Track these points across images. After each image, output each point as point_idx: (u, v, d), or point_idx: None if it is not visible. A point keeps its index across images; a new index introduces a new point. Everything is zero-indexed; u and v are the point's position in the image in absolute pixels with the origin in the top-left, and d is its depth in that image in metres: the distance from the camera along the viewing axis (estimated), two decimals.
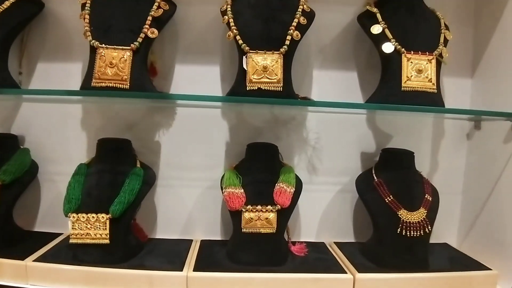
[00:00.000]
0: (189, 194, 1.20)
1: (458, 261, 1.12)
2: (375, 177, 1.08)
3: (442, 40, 1.05)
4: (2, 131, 1.19)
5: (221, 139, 1.18)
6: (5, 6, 1.04)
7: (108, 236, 0.98)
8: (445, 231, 1.23)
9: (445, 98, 1.06)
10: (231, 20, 1.00)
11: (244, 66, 0.96)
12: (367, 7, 1.09)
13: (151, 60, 1.10)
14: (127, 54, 0.95)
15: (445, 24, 1.08)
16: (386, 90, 1.03)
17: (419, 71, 1.01)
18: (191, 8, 1.13)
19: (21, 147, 1.17)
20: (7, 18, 1.04)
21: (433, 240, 1.07)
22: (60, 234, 1.18)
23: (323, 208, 1.21)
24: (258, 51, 0.96)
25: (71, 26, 1.15)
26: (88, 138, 1.17)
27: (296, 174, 1.07)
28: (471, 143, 1.22)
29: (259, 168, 1.08)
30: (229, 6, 1.03)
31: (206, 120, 1.17)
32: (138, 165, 1.08)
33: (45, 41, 1.17)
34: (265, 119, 1.18)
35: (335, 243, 1.19)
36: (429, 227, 1.02)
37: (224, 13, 1.03)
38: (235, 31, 0.99)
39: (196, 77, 1.15)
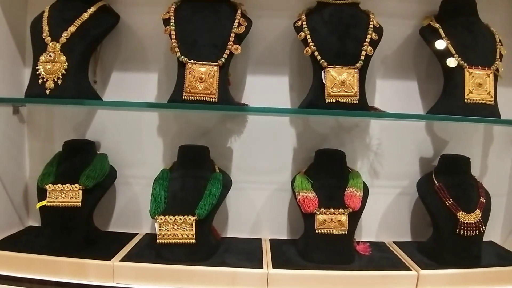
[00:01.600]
0: (258, 196, 1.28)
1: (504, 257, 1.22)
2: (436, 182, 1.17)
3: (498, 55, 1.13)
4: (77, 137, 1.26)
5: (288, 144, 1.26)
6: (84, 18, 1.09)
7: (194, 236, 1.05)
8: (490, 230, 1.32)
9: None
10: (308, 36, 1.07)
11: (323, 80, 1.03)
12: (430, 22, 1.16)
13: None
14: (215, 69, 1.02)
15: (499, 39, 1.16)
16: (450, 102, 1.11)
17: (479, 85, 1.09)
18: (261, 21, 1.18)
19: (98, 152, 1.24)
20: (87, 30, 1.09)
21: None
22: (136, 234, 1.26)
23: (383, 209, 1.30)
24: (336, 66, 1.04)
25: (144, 37, 1.22)
26: (164, 144, 1.25)
27: (362, 179, 1.16)
28: None
29: (328, 173, 1.16)
30: (304, 22, 1.09)
31: (275, 127, 1.25)
32: (217, 170, 1.15)
33: (119, 51, 1.23)
34: (330, 126, 1.25)
35: (394, 242, 1.28)
36: (483, 227, 1.12)
37: (299, 29, 1.10)
38: (313, 47, 1.06)
39: (266, 87, 1.23)
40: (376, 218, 1.30)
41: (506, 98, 1.27)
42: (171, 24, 1.06)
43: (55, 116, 1.27)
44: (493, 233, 1.34)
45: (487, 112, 1.09)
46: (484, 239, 1.31)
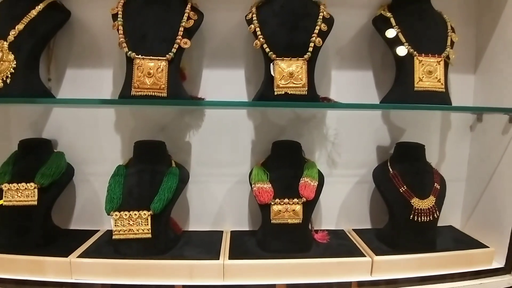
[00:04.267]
0: (219, 189, 1.29)
1: (461, 241, 1.24)
2: (391, 169, 1.19)
3: (449, 42, 1.14)
4: (34, 136, 1.24)
5: (247, 137, 1.27)
6: (32, 16, 1.07)
7: (150, 231, 1.06)
8: (450, 215, 1.35)
9: (451, 93, 1.15)
10: (257, 29, 1.07)
11: (272, 72, 1.03)
12: (381, 11, 1.17)
13: (181, 66, 1.16)
14: (163, 64, 1.01)
15: (451, 26, 1.17)
16: (401, 90, 1.12)
17: (429, 73, 1.10)
18: (217, 14, 1.18)
19: (55, 150, 1.23)
20: (36, 27, 1.07)
21: (440, 223, 1.17)
22: (97, 231, 1.26)
23: (342, 198, 1.32)
24: (284, 58, 1.04)
25: (97, 32, 1.20)
26: (121, 140, 1.24)
27: (318, 169, 1.17)
28: (474, 134, 1.32)
29: (284, 164, 1.17)
30: (254, 15, 1.09)
31: (233, 120, 1.25)
32: (174, 165, 1.16)
33: (72, 48, 1.21)
34: (288, 118, 1.26)
35: (354, 230, 1.30)
36: (438, 213, 1.14)
37: (250, 21, 1.09)
38: (262, 39, 1.05)
39: (223, 80, 1.22)
40: (335, 207, 1.32)
41: (462, 85, 1.30)
42: (119, 19, 1.05)
43: (10, 115, 1.25)
44: (453, 218, 1.37)
45: (438, 99, 1.10)
46: (444, 224, 1.35)
